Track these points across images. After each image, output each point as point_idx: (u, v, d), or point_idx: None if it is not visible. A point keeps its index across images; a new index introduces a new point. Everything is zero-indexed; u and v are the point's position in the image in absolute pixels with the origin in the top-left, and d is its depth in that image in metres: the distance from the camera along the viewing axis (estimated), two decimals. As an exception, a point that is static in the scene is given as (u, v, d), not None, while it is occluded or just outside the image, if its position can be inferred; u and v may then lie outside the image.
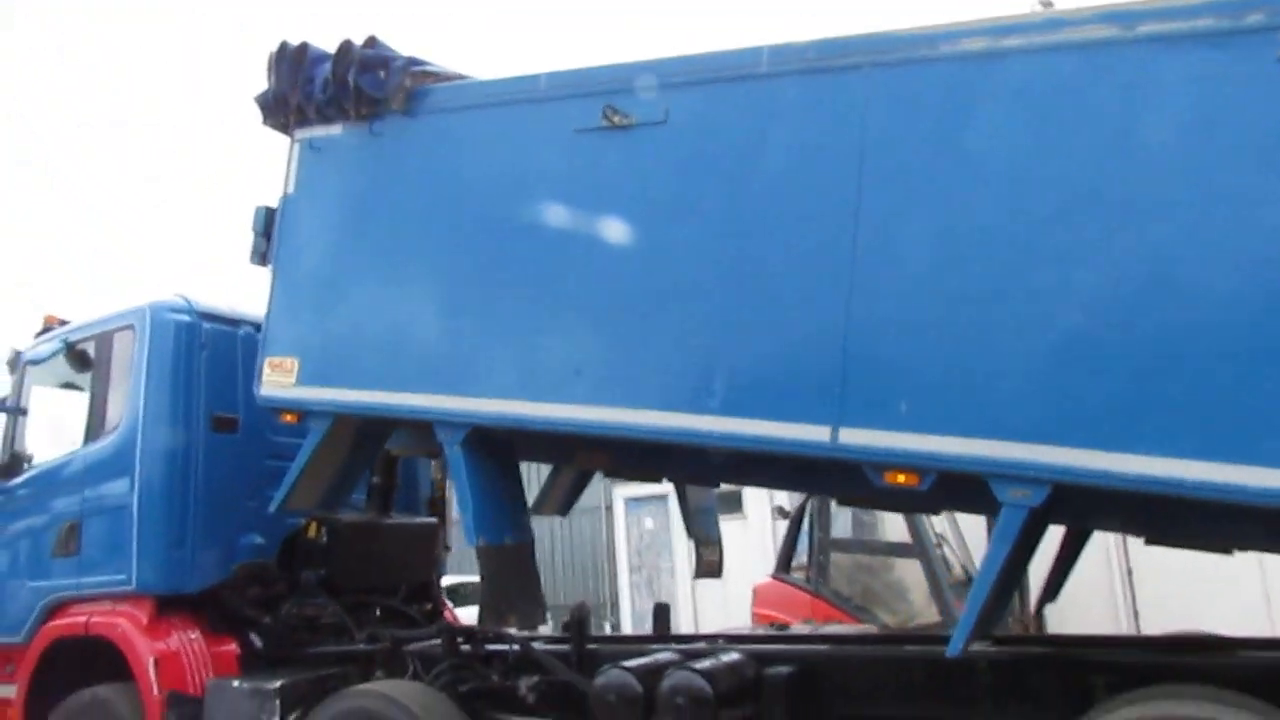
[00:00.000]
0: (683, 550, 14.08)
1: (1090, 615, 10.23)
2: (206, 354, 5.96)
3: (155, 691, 5.34)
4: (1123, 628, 10.58)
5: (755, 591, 10.68)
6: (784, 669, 4.40)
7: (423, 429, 5.02)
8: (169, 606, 5.68)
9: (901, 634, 6.89)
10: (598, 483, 18.30)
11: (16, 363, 6.54)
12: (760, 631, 7.36)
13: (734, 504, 13.82)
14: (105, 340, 6.12)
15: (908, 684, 4.31)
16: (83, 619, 5.73)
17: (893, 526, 10.56)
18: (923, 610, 9.94)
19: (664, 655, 4.61)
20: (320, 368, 5.01)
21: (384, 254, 4.82)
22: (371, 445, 5.44)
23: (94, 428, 6.03)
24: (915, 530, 9.91)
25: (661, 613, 6.20)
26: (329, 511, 5.76)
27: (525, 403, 4.40)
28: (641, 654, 4.88)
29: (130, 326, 5.99)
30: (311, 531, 6.03)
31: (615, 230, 4.21)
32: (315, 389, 4.99)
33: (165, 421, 5.75)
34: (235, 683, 5.36)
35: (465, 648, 5.31)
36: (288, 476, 5.23)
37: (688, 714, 4.13)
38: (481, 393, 4.51)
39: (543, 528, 19.07)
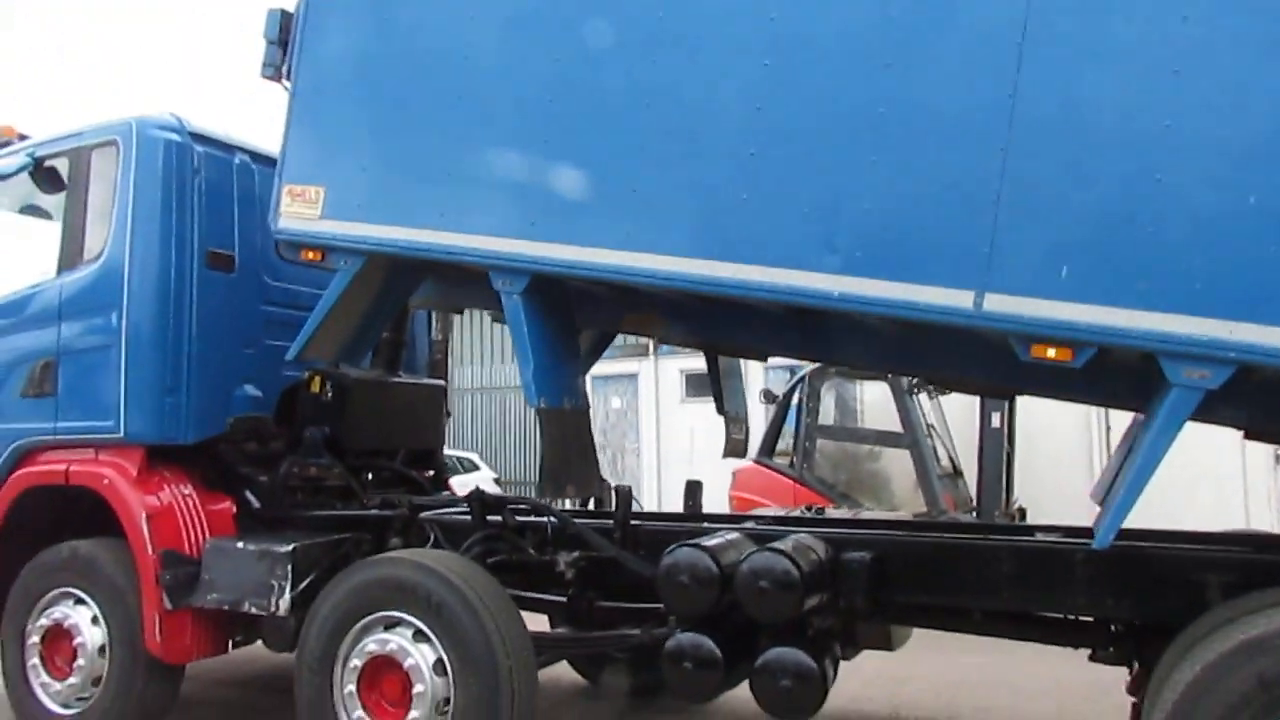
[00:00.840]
0: (650, 431, 13.83)
1: (1066, 512, 10.31)
2: (200, 180, 5.27)
3: (150, 549, 4.83)
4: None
5: (734, 475, 10.48)
6: (863, 554, 4.09)
7: (468, 276, 4.48)
8: (159, 459, 5.13)
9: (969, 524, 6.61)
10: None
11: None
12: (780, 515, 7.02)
13: (707, 386, 13.52)
14: (82, 157, 5.35)
15: (994, 575, 4.03)
16: (61, 467, 5.14)
17: (880, 416, 10.41)
18: (908, 500, 9.88)
19: (730, 536, 4.26)
20: (352, 199, 4.39)
21: (440, 68, 4.16)
22: (400, 293, 4.87)
23: (69, 256, 5.32)
24: (906, 419, 9.76)
25: (692, 490, 5.84)
26: (349, 363, 5.21)
27: (602, 250, 3.88)
28: (692, 534, 4.54)
29: (113, 142, 5.24)
30: (315, 386, 5.48)
31: (731, 55, 3.65)
32: (346, 223, 4.38)
33: (155, 252, 5.08)
34: (239, 544, 4.88)
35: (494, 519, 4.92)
36: (309, 322, 4.65)
37: (772, 599, 3.81)
38: (549, 236, 3.97)
39: (510, 401, 18.76)
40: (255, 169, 5.62)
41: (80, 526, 5.47)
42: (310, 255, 4.57)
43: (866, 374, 10.10)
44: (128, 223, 5.11)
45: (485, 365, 20.63)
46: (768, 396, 11.21)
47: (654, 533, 4.72)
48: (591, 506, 5.61)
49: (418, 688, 4.14)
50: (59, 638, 5.08)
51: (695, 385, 13.73)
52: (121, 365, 5.03)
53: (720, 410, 6.51)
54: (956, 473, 10.09)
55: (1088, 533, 4.47)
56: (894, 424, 9.94)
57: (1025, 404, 9.71)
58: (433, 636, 4.17)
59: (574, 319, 4.51)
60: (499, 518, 4.90)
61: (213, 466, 5.32)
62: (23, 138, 5.87)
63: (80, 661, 4.98)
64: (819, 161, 3.57)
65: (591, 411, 15.01)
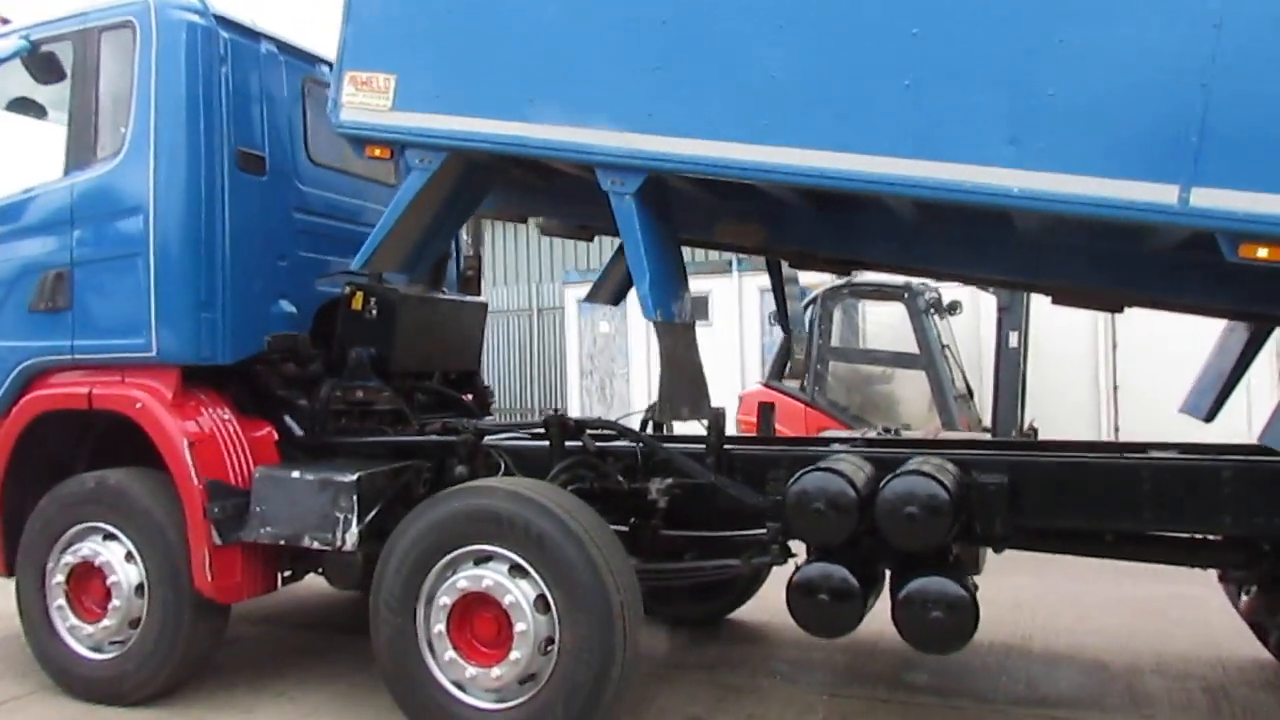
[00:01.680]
0: (640, 356, 13.46)
1: (1076, 429, 10.28)
2: (227, 70, 4.68)
3: (195, 480, 4.36)
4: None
5: (741, 399, 10.20)
6: (999, 477, 3.82)
7: (545, 180, 4.05)
8: (192, 381, 4.64)
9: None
10: (550, 282, 17.35)
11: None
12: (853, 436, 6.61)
13: (700, 310, 13.16)
14: (89, 41, 4.72)
15: (1135, 495, 3.80)
16: (82, 390, 4.62)
17: (889, 337, 10.19)
18: (922, 421, 9.72)
19: (852, 460, 3.95)
20: (430, 87, 3.88)
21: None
22: (470, 199, 4.38)
23: (79, 154, 4.72)
24: (923, 339, 9.55)
25: (765, 414, 5.53)
26: (414, 275, 4.75)
27: (734, 145, 3.46)
28: (796, 459, 4.23)
29: (128, 24, 4.62)
30: (357, 303, 4.99)
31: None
32: (424, 115, 3.88)
33: (183, 149, 4.52)
34: (294, 473, 4.43)
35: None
36: (377, 228, 4.15)
37: (921, 525, 3.53)
38: (670, 129, 3.53)
39: (503, 325, 18.17)
40: (283, 60, 5.05)
41: (96, 455, 4.99)
42: (377, 152, 4.06)
43: (880, 294, 9.86)
44: (150, 116, 4.53)
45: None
46: (776, 319, 10.88)
47: (751, 457, 4.40)
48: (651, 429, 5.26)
49: (519, 626, 3.79)
50: (88, 576, 4.61)
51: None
52: (150, 276, 4.50)
53: (785, 329, 6.19)
54: (969, 393, 9.94)
55: (1209, 450, 4.28)
56: (906, 345, 9.74)
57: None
58: (533, 571, 3.81)
59: (676, 230, 4.10)
60: (578, 443, 4.53)
61: (247, 390, 4.84)
62: (5, 21, 5.18)
63: (115, 602, 4.52)
64: (996, 40, 3.18)
65: (576, 335, 14.54)
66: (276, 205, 4.92)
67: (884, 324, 10.33)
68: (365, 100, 3.96)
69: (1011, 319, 9.51)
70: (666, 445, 4.48)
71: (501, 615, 3.86)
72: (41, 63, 4.79)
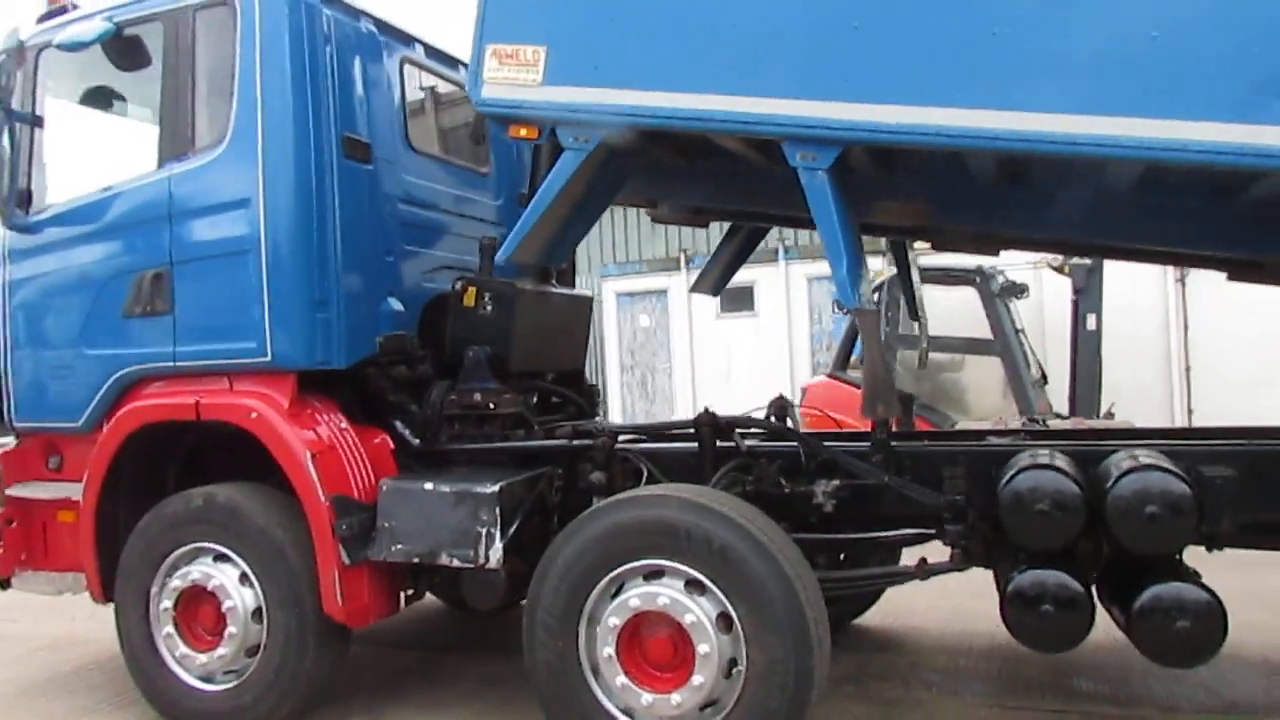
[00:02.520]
0: (684, 350, 13.12)
1: (1149, 414, 9.99)
2: (331, 50, 4.32)
3: (321, 495, 4.01)
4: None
5: (805, 390, 9.87)
6: (1227, 470, 3.49)
7: (687, 161, 3.71)
8: (304, 387, 4.28)
9: None
10: (584, 273, 16.93)
11: (17, 53, 4.66)
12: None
13: (745, 301, 12.86)
14: (182, 21, 4.35)
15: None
16: (188, 399, 4.25)
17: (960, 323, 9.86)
18: (996, 409, 9.41)
19: (1056, 456, 3.62)
20: (587, 59, 3.52)
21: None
22: (615, 182, 4.02)
23: (175, 144, 4.36)
24: (997, 324, 9.24)
25: (907, 404, 5.19)
26: (552, 265, 4.40)
27: (950, 110, 3.11)
28: (978, 456, 3.91)
29: (227, 1, 4.25)
30: (470, 299, 4.64)
31: None
32: (580, 90, 3.52)
33: (291, 136, 4.16)
34: (426, 484, 4.08)
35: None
36: (526, 215, 3.80)
37: (1164, 527, 3.20)
38: (870, 96, 3.19)
39: None
40: (382, 40, 4.70)
41: (183, 471, 4.64)
42: (523, 132, 3.70)
43: (950, 278, 9.54)
44: (256, 101, 4.16)
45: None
46: (839, 307, 10.56)
47: (923, 455, 4.07)
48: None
49: (702, 648, 3.45)
50: (198, 601, 4.26)
51: (731, 300, 12.97)
52: (262, 274, 4.14)
53: (914, 316, 5.86)
54: (1044, 378, 9.63)
55: None
56: (973, 330, 9.43)
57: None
58: (714, 587, 3.47)
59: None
60: (729, 443, 4.20)
61: (354, 395, 4.49)
62: (73, 6, 4.81)
63: (231, 629, 4.17)
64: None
65: (615, 329, 14.14)
66: (382, 196, 4.57)
67: (950, 309, 10.01)
68: (511, 75, 3.61)
69: (1089, 301, 9.21)
70: (828, 444, 4.13)
71: (679, 636, 3.52)
72: (125, 47, 4.41)
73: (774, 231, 14.12)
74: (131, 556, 4.36)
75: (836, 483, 3.98)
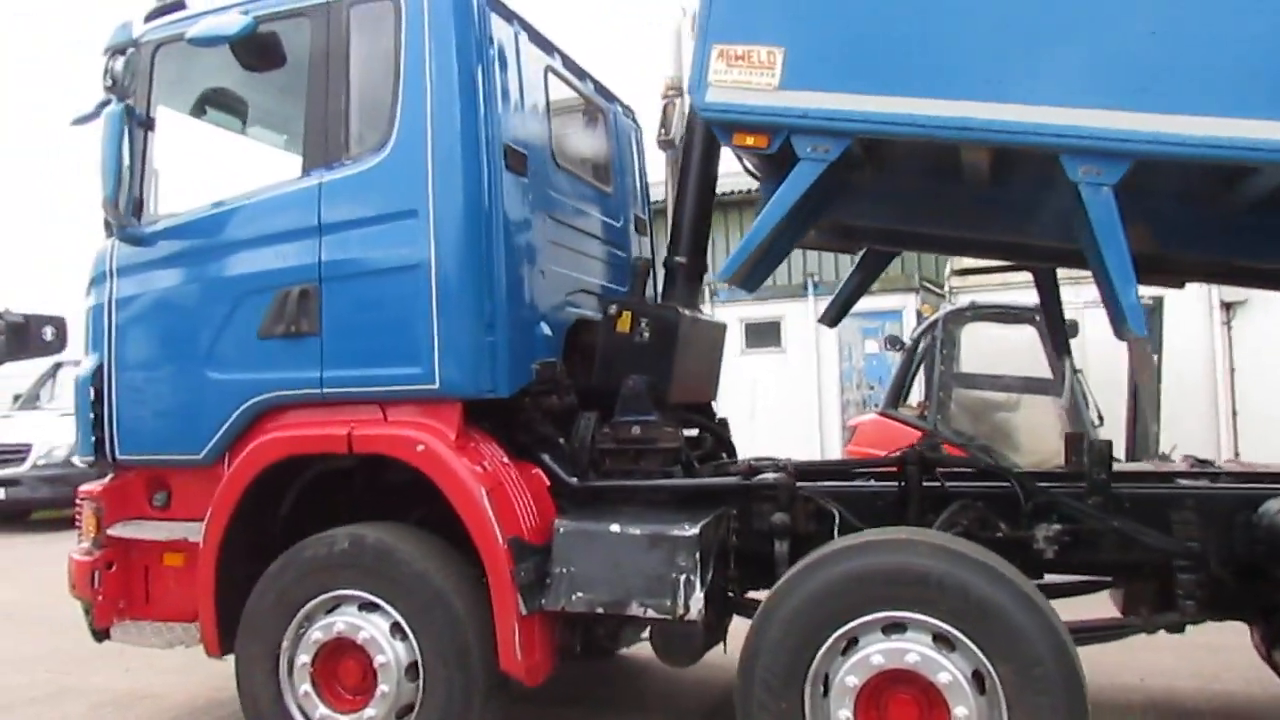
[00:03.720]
0: (744, 387, 12.73)
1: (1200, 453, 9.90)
2: (492, 53, 4.00)
3: (499, 538, 3.61)
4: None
5: (855, 429, 9.63)
6: None
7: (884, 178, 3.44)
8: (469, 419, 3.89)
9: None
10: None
11: (131, 49, 4.25)
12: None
13: (771, 336, 12.60)
14: (333, 17, 3.99)
15: None
16: (339, 430, 3.83)
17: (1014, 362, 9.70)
18: (1057, 451, 9.22)
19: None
20: (836, 62, 3.23)
21: None
22: (823, 200, 3.71)
23: (326, 149, 3.97)
24: (1056, 364, 9.08)
25: (1074, 442, 4.93)
26: (749, 289, 4.07)
27: (1250, 122, 2.88)
28: (1205, 497, 3.66)
29: (387, -2, 3.90)
30: (625, 324, 4.30)
31: None
32: (824, 95, 3.22)
33: (461, 143, 3.81)
34: (613, 527, 3.70)
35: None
36: (753, 233, 3.46)
37: None
38: (1168, 105, 2.94)
39: None
40: (530, 46, 4.39)
41: (315, 509, 4.20)
42: (750, 140, 3.39)
43: (1008, 316, 9.39)
44: (425, 104, 3.81)
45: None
46: (893, 343, 10.37)
47: (1146, 497, 3.80)
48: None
49: (958, 710, 3.11)
50: (341, 655, 3.81)
51: (756, 335, 12.72)
52: (431, 293, 3.76)
53: (1062, 353, 5.62)
54: (1099, 419, 9.49)
55: None
56: (1029, 369, 9.27)
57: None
58: (969, 643, 3.14)
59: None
60: (935, 483, 3.89)
61: (510, 427, 4.11)
62: (179, 5, 4.42)
63: (383, 687, 3.73)
64: None
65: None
66: (535, 210, 4.23)
67: (1001, 348, 9.86)
68: (742, 78, 3.30)
69: (1150, 342, 9.12)
70: (1044, 485, 3.85)
71: (926, 697, 3.18)
72: (259, 46, 4.02)
73: (798, 264, 13.97)
74: (260, 605, 3.91)
75: (1059, 527, 3.69)
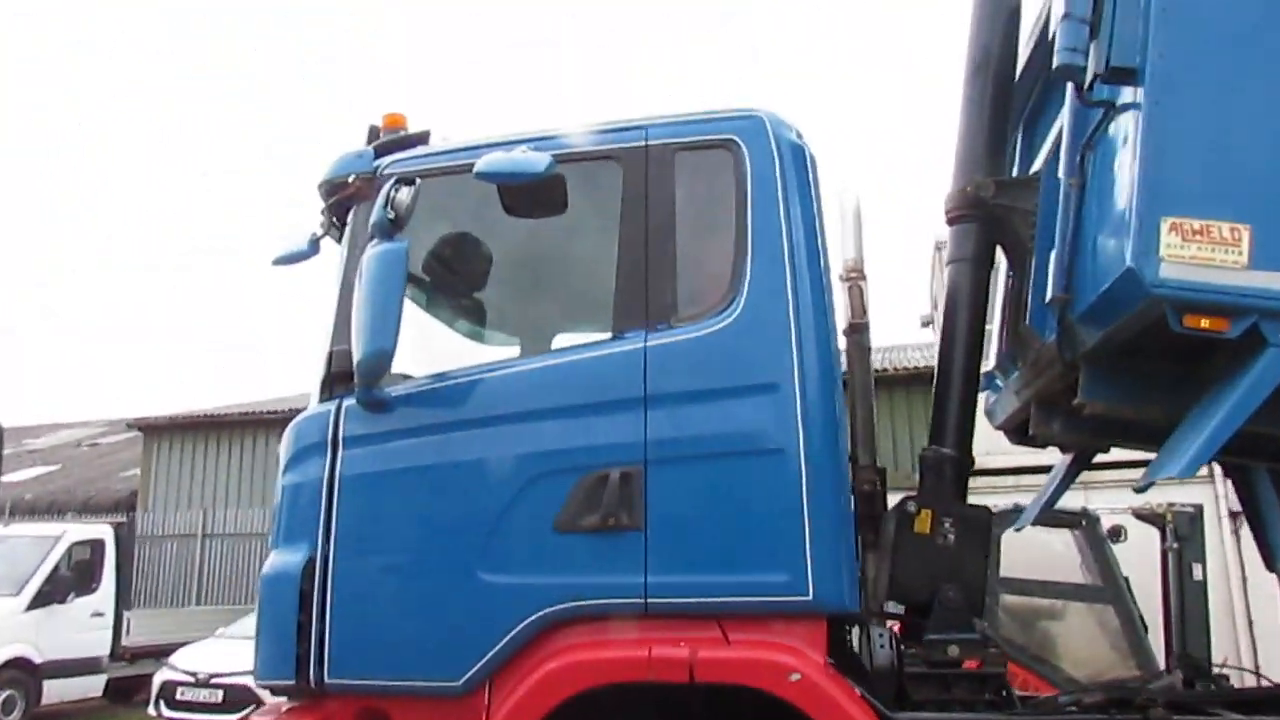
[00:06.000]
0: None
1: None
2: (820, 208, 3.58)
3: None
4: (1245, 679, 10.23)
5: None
6: None
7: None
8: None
9: None
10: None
11: (373, 183, 3.61)
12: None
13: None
14: (652, 164, 3.47)
15: None
16: (678, 652, 3.03)
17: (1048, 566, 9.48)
18: (1110, 661, 8.90)
19: None
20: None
21: None
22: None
23: (649, 306, 3.35)
24: (1106, 570, 8.91)
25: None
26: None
27: None
28: None
29: (726, 143, 3.44)
30: (924, 524, 3.73)
31: None
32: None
33: (817, 308, 3.31)
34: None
35: None
36: (1223, 425, 3.01)
37: None
38: None
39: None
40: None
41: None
42: (1207, 323, 3.01)
43: (1053, 520, 9.21)
44: (783, 261, 3.31)
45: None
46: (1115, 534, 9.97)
47: None
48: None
49: None
50: None
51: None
52: (801, 481, 3.11)
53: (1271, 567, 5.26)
54: (1145, 627, 9.28)
55: None
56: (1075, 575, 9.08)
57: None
58: None
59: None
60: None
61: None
62: (416, 141, 3.84)
63: None
64: None
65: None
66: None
67: (1045, 554, 9.64)
68: (1201, 254, 2.96)
69: (1193, 550, 9.07)
70: None
71: None
72: (548, 188, 3.46)
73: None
74: None
75: None
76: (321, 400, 3.52)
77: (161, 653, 12.40)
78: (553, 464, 3.24)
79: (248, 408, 20.39)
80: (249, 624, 12.41)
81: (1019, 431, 4.89)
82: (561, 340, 3.85)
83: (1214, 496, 10.26)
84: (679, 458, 3.19)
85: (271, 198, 65.82)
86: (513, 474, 3.26)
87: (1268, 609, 10.11)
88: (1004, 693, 3.66)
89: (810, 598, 3.06)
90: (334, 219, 3.88)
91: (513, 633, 3.14)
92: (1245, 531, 10.16)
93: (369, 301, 3.20)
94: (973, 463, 4.33)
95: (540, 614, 3.14)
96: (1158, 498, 9.31)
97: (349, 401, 3.41)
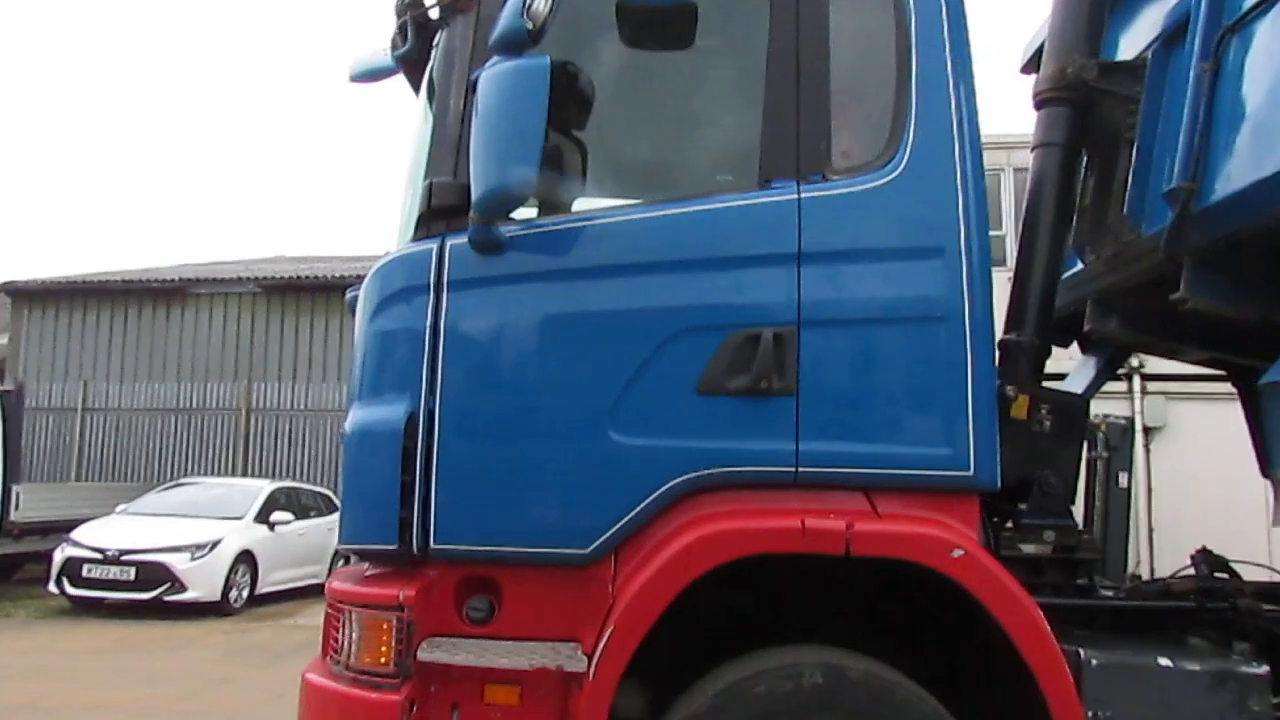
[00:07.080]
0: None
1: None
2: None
3: (1069, 674, 2.80)
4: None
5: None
6: None
7: None
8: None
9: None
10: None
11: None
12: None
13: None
14: (805, -2, 3.15)
15: None
16: (835, 524, 2.85)
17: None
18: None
19: None
20: None
21: None
22: None
23: (800, 157, 3.06)
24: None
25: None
26: None
27: None
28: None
29: (890, -18, 3.14)
30: (1020, 409, 3.65)
31: None
32: None
33: (981, 169, 3.11)
34: (1161, 660, 3.00)
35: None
36: None
37: None
38: None
39: (318, 425, 15.71)
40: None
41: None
42: None
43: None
44: (949, 115, 3.08)
45: (294, 383, 17.15)
46: None
47: None
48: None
49: None
50: None
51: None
52: (967, 353, 2.94)
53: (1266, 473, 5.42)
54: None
55: None
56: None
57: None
58: None
59: None
60: None
61: None
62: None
63: None
64: None
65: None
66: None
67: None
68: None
69: (1121, 460, 9.48)
70: None
71: None
72: (684, 15, 3.11)
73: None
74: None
75: None
76: (416, 239, 3.12)
77: (51, 529, 11.63)
78: (696, 319, 2.96)
79: (133, 275, 19.00)
80: (153, 500, 11.75)
81: (1059, 330, 4.84)
82: (690, 186, 3.49)
83: (1133, 413, 10.76)
84: (835, 320, 2.96)
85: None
86: (651, 328, 2.96)
87: (1168, 517, 10.76)
88: (1092, 579, 3.67)
89: (971, 473, 2.93)
90: (416, 34, 3.41)
91: (651, 497, 2.89)
92: (1155, 447, 10.78)
93: (502, 125, 2.79)
94: (1049, 351, 4.27)
95: (684, 478, 2.90)
96: (1121, 414, 9.73)
97: (454, 240, 3.03)
